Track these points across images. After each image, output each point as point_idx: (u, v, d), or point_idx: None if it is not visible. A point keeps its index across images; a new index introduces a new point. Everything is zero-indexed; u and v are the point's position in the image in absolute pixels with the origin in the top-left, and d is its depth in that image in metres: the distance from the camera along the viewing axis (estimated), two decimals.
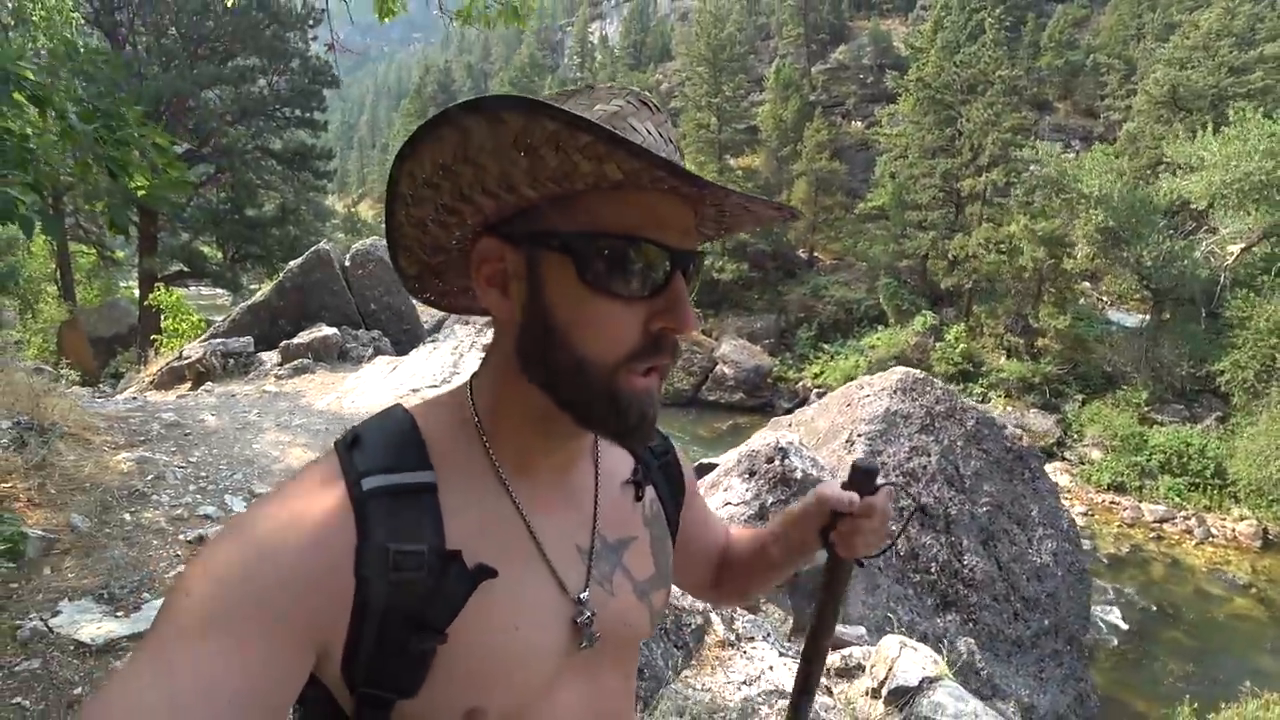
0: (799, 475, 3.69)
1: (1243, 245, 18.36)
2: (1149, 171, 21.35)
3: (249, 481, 4.27)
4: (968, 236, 23.07)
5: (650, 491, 0.86)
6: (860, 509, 0.88)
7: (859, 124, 35.43)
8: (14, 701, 2.34)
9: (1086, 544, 15.87)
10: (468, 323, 6.28)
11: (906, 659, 3.04)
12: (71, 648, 2.62)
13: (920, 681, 2.95)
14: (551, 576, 0.71)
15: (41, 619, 2.74)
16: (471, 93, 51.70)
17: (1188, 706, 6.92)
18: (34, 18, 5.21)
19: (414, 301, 8.36)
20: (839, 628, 2.92)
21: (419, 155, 0.61)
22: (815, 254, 30.69)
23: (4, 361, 6.07)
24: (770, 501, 3.65)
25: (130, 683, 0.51)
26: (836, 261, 31.09)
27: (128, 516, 3.61)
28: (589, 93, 0.66)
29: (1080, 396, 20.10)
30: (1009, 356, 20.71)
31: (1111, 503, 17.55)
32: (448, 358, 5.58)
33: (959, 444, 5.65)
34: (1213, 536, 16.35)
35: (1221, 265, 19.06)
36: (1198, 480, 17.37)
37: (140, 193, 2.98)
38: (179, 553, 3.36)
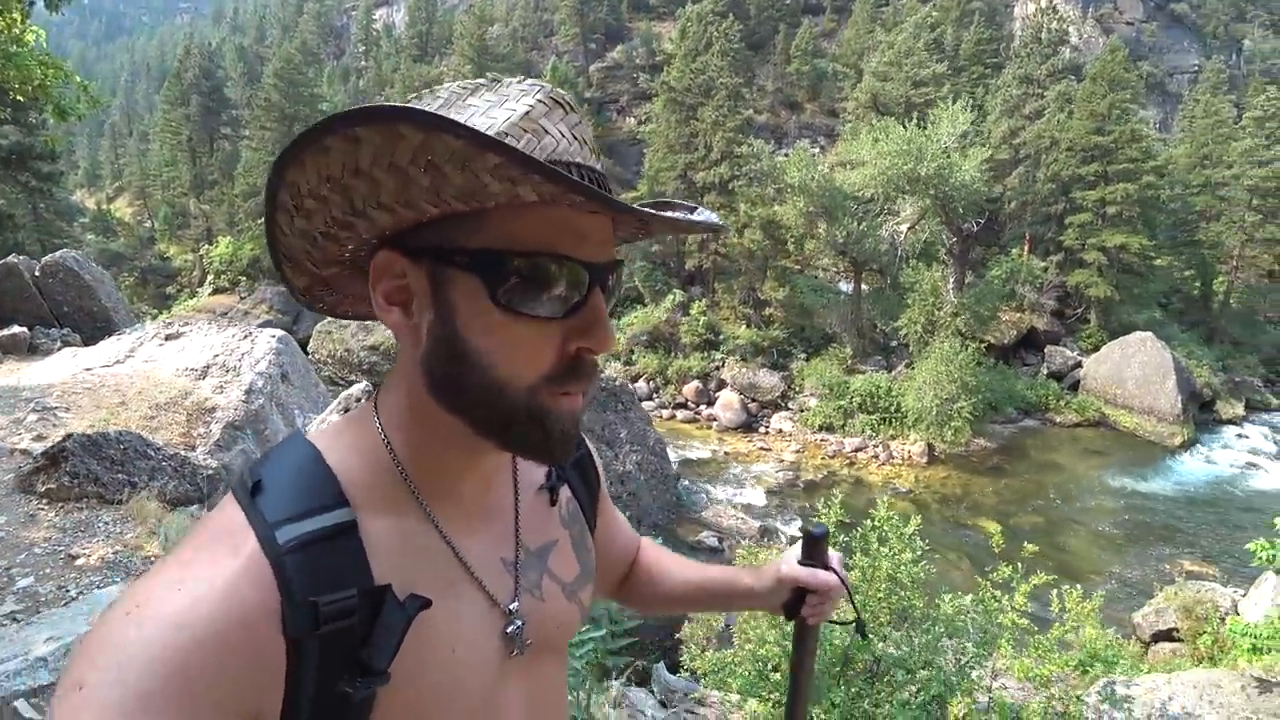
0: None
1: (908, 225, 23.11)
2: (846, 166, 25.95)
3: None
4: None
5: (565, 491, 0.84)
6: (828, 586, 0.93)
7: (631, 120, 38.35)
8: None
9: (792, 474, 19.49)
10: (157, 320, 7.13)
11: None
12: None
13: None
14: (481, 594, 0.69)
15: None
16: (242, 79, 48.15)
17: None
18: None
19: (106, 304, 8.97)
20: None
21: (302, 165, 0.54)
22: None
23: None
24: None
25: None
26: None
27: None
28: (496, 87, 0.60)
29: (804, 355, 24.14)
30: (748, 326, 24.33)
31: (821, 440, 21.51)
32: (126, 345, 6.51)
33: None
34: (893, 459, 20.68)
35: (898, 241, 23.81)
36: (886, 415, 21.70)
37: None
38: None
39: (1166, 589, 12.24)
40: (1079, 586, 5.18)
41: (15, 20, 4.40)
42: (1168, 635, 11.22)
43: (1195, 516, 18.07)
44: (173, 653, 0.49)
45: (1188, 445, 22.23)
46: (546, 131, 0.58)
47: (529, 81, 0.62)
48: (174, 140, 42.30)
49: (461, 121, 0.49)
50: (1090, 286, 26.09)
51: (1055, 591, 5.00)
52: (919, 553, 5.03)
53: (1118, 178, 25.95)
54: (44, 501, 3.67)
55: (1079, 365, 25.67)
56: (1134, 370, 23.43)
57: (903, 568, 4.69)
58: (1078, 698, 4.65)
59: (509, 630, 0.71)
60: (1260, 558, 5.31)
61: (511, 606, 0.72)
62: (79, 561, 3.07)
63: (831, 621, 1.03)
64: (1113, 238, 25.66)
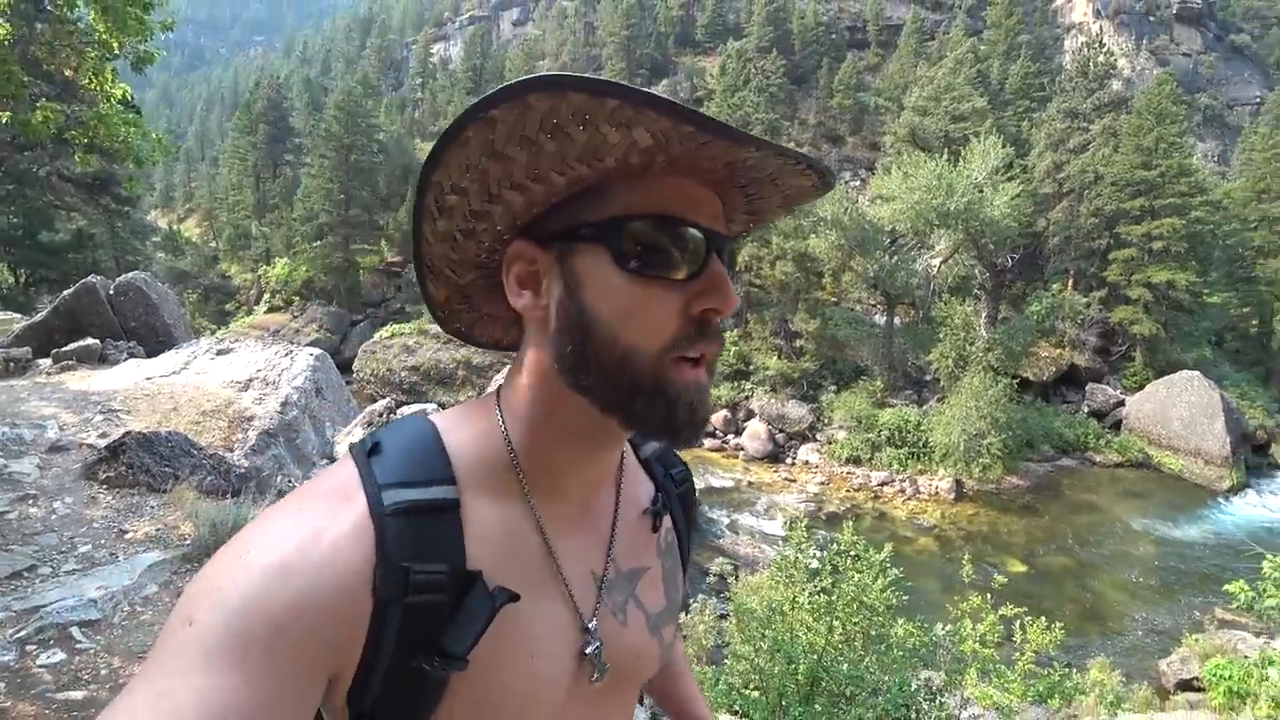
0: None
1: (940, 259, 23.11)
2: (880, 200, 26.12)
3: (14, 424, 5.74)
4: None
5: (667, 521, 0.83)
6: None
7: None
8: None
9: (815, 506, 19.46)
10: (212, 336, 7.90)
11: None
12: None
13: None
14: (568, 602, 0.68)
15: None
16: (306, 109, 50.90)
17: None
18: None
19: (169, 320, 9.86)
20: None
21: (445, 163, 0.59)
22: None
23: None
24: None
25: None
26: None
27: None
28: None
29: (834, 388, 24.17)
30: (779, 357, 24.52)
31: (848, 473, 21.47)
32: (183, 358, 7.31)
33: None
34: (920, 494, 20.50)
35: (931, 275, 23.79)
36: (914, 450, 21.57)
37: None
38: None
39: (1192, 637, 11.92)
40: (1043, 619, 5.32)
41: (107, 79, 5.18)
42: (1190, 685, 10.94)
43: (1238, 563, 17.42)
44: (273, 603, 0.52)
45: (1237, 490, 21.45)
46: None
47: None
48: (241, 165, 44.97)
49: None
50: (1134, 323, 25.50)
51: (1018, 623, 5.16)
52: (890, 580, 5.29)
53: (1165, 212, 25.45)
54: (104, 487, 4.34)
55: (1121, 404, 25.03)
56: (1180, 410, 22.76)
57: (870, 592, 4.95)
58: None
59: (587, 650, 0.68)
60: (1239, 600, 5.38)
61: (591, 624, 0.69)
62: (128, 535, 3.70)
63: None
64: (1159, 274, 25.09)
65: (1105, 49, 31.31)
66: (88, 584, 2.94)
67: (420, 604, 0.57)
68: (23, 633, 2.82)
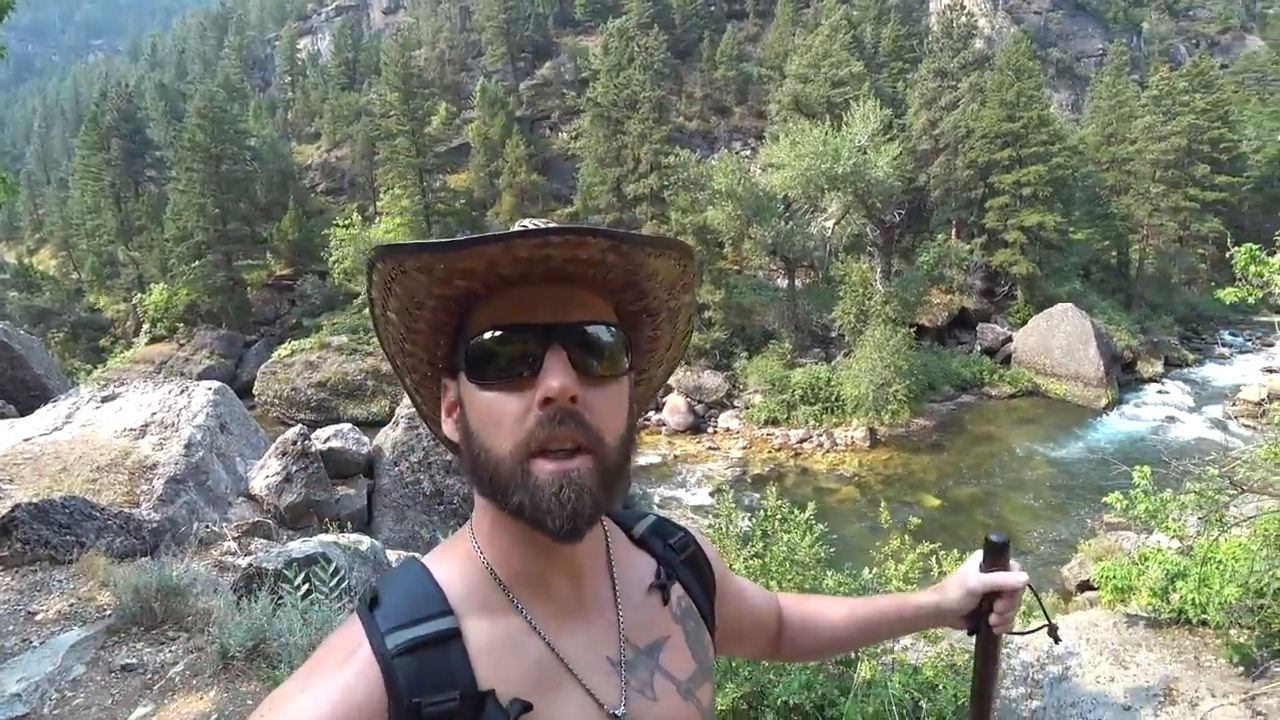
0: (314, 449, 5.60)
1: (833, 221, 24.10)
2: (771, 169, 26.90)
3: None
4: None
5: (677, 589, 0.86)
6: (1020, 584, 0.95)
7: (564, 135, 38.72)
8: None
9: (740, 471, 20.06)
10: (92, 380, 7.27)
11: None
12: None
13: None
14: (586, 695, 0.70)
15: None
16: (164, 118, 46.94)
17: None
18: None
19: (38, 371, 9.05)
20: None
21: (385, 339, 0.73)
22: None
23: None
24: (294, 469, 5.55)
25: None
26: None
27: None
28: None
29: (746, 354, 24.91)
30: None
31: (768, 434, 22.25)
32: (63, 411, 6.70)
33: None
34: (837, 446, 21.50)
35: (826, 237, 24.77)
36: (828, 405, 22.52)
37: None
38: None
39: (1086, 543, 13.18)
40: (957, 551, 5.78)
41: None
42: (1088, 585, 12.12)
43: (1118, 473, 19.19)
44: None
45: (1112, 406, 23.59)
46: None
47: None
48: (95, 186, 40.87)
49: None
50: (1013, 264, 27.48)
51: (934, 557, 5.59)
52: (817, 535, 5.61)
53: (1030, 160, 27.42)
54: None
55: (1009, 340, 27.01)
56: (1059, 340, 24.78)
57: (799, 549, 5.23)
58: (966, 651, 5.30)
59: None
60: (1116, 509, 6.02)
61: (618, 711, 0.71)
62: (38, 616, 3.40)
63: (1019, 633, 1.05)
64: (1030, 217, 27.07)
65: (966, 10, 33.20)
66: (6, 678, 2.71)
67: None
68: None
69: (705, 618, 0.89)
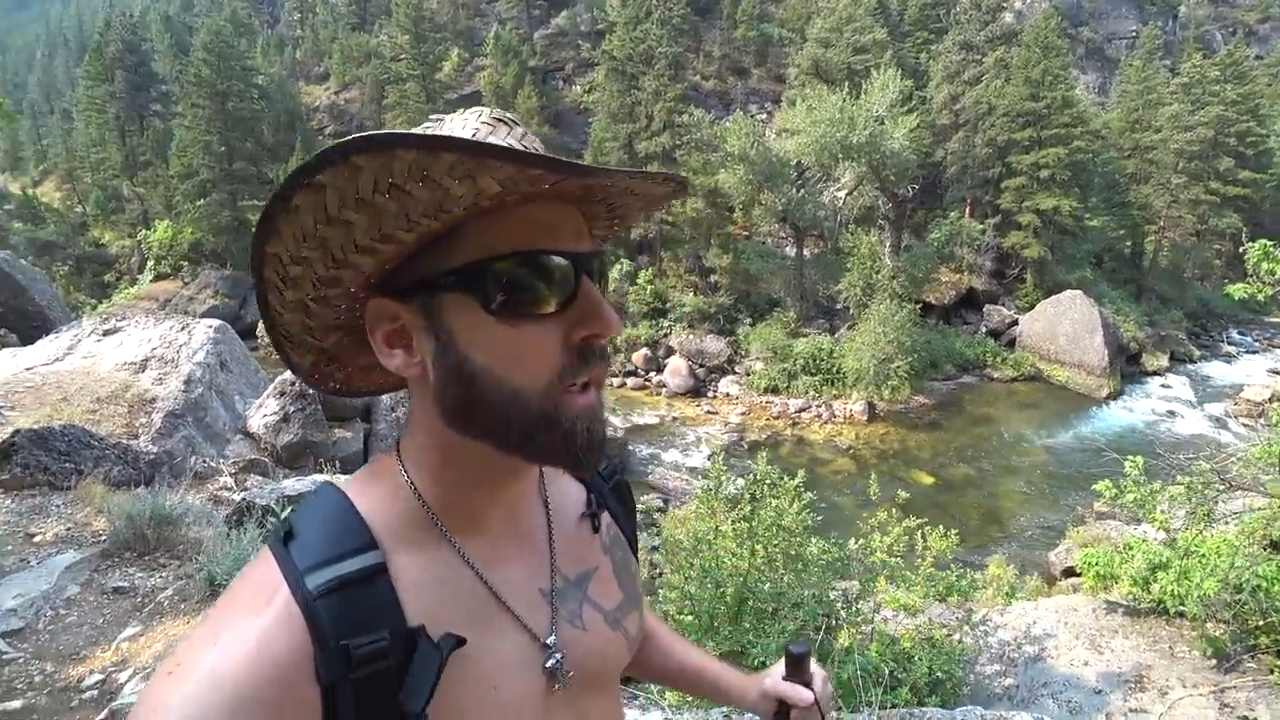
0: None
1: (846, 191, 23.79)
2: (786, 134, 26.45)
3: None
4: None
5: (606, 517, 0.84)
6: (808, 703, 0.93)
7: (577, 88, 37.90)
8: None
9: (737, 436, 20.20)
10: (95, 315, 7.32)
11: None
12: None
13: None
14: (519, 628, 0.69)
15: None
16: (170, 52, 46.08)
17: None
18: None
19: (41, 302, 9.04)
20: None
21: (279, 233, 0.56)
22: None
23: None
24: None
25: None
26: None
27: None
28: (439, 123, 0.64)
29: (749, 320, 24.87)
30: (694, 293, 24.95)
31: (767, 402, 22.37)
32: (65, 343, 6.72)
33: None
34: (835, 417, 21.62)
35: (838, 207, 24.49)
36: (828, 376, 22.58)
37: None
38: None
39: (1075, 530, 13.35)
40: (941, 527, 5.85)
41: None
42: (1072, 571, 12.31)
43: (1113, 462, 19.28)
44: (211, 711, 0.50)
45: (1114, 396, 23.58)
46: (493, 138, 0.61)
47: (471, 110, 0.65)
48: (100, 119, 40.23)
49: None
50: (1025, 247, 27.17)
51: (919, 533, 5.66)
52: (805, 503, 5.67)
53: (1050, 142, 26.87)
54: (0, 492, 4.05)
55: (1015, 323, 26.87)
56: (1065, 327, 24.67)
57: (786, 516, 5.29)
58: (943, 626, 5.40)
59: (548, 665, 0.70)
60: (1105, 497, 6.07)
61: (549, 640, 0.70)
62: (36, 539, 3.49)
63: None
64: (1046, 200, 26.66)
65: None
66: (3, 593, 2.80)
67: (369, 675, 0.57)
68: None
69: (631, 546, 0.89)
